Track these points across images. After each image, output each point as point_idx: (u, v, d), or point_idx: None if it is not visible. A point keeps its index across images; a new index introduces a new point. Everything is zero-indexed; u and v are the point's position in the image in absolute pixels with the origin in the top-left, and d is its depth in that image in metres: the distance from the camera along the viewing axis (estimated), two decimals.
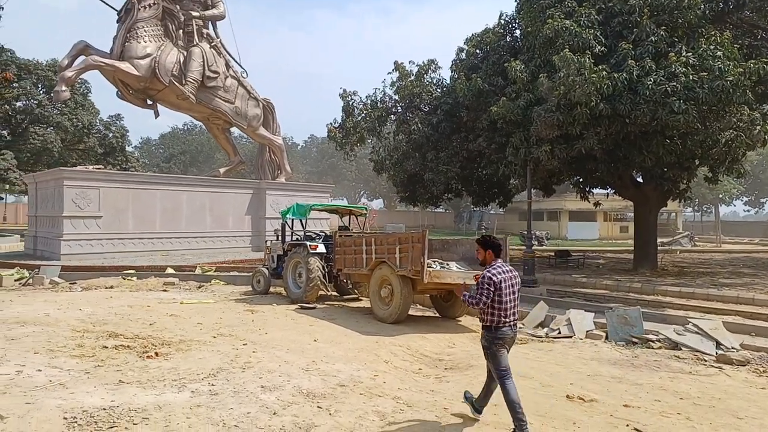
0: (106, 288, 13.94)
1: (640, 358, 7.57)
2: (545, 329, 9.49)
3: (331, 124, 20.77)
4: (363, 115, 20.08)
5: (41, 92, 36.21)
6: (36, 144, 34.29)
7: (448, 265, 9.55)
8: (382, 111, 20.00)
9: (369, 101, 20.44)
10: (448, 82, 19.37)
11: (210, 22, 25.10)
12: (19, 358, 6.48)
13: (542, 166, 13.77)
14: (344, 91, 20.34)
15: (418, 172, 19.13)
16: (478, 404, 4.94)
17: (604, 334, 8.85)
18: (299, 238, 12.50)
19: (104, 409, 4.83)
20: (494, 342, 4.59)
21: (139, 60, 21.73)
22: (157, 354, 6.93)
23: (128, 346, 7.32)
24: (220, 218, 23.71)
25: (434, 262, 9.62)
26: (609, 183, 18.17)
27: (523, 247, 13.87)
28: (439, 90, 19.39)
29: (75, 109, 36.80)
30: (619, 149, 14.36)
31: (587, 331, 9.05)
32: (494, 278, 4.54)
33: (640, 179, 18.03)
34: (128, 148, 45.37)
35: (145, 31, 22.26)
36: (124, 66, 21.40)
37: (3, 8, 11.74)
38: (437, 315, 10.35)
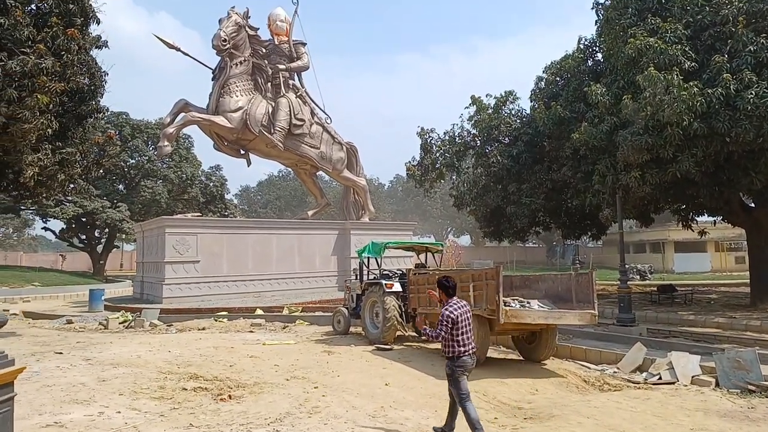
0: (199, 330, 14.60)
1: (757, 410, 6.54)
2: (643, 374, 8.56)
3: (409, 162, 20.86)
4: (441, 151, 19.97)
5: (151, 149, 39.87)
6: (146, 196, 37.57)
7: (529, 303, 8.98)
8: (461, 146, 19.79)
9: (447, 137, 20.35)
10: (528, 112, 18.85)
11: (296, 74, 26.52)
12: (105, 399, 6.81)
13: (633, 193, 12.77)
14: (422, 129, 20.45)
15: (500, 205, 18.57)
16: (447, 428, 5.53)
17: (713, 380, 7.80)
18: (376, 276, 12.42)
19: None
20: (456, 370, 5.37)
21: (231, 113, 23.26)
22: (230, 396, 7.01)
23: (206, 388, 7.49)
24: (307, 259, 24.34)
25: (513, 300, 9.11)
26: (715, 209, 16.52)
27: (619, 282, 12.78)
28: (518, 121, 18.91)
29: (179, 163, 40.06)
30: (721, 171, 13.03)
31: (693, 377, 8.04)
32: (452, 315, 5.40)
33: (752, 203, 16.24)
34: (228, 196, 48.38)
35: (237, 86, 23.87)
36: (219, 120, 22.97)
37: (108, 74, 13.17)
38: (521, 358, 9.70)
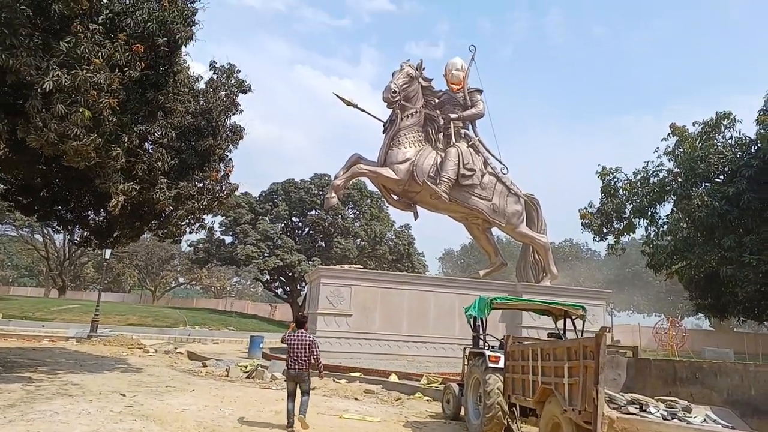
0: None
1: None
2: None
3: (585, 208, 16.84)
4: (629, 195, 15.62)
5: (348, 208, 41.79)
6: (338, 251, 38.98)
7: (688, 411, 5.08)
8: (656, 187, 15.18)
9: (638, 177, 15.94)
10: (753, 138, 13.59)
11: (469, 122, 24.87)
12: None
13: None
14: (603, 168, 16.41)
15: (712, 266, 13.40)
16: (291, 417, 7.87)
17: None
18: (490, 345, 9.29)
19: None
20: (286, 376, 8.23)
21: (398, 165, 22.42)
22: None
23: None
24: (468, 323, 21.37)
25: (664, 403, 5.28)
26: None
27: None
28: (737, 151, 13.71)
29: (370, 221, 41.03)
30: None
31: None
32: (285, 337, 8.16)
33: None
34: (426, 258, 47.67)
35: (406, 138, 23.13)
36: (385, 171, 22.31)
37: (232, 111, 13.20)
38: None
